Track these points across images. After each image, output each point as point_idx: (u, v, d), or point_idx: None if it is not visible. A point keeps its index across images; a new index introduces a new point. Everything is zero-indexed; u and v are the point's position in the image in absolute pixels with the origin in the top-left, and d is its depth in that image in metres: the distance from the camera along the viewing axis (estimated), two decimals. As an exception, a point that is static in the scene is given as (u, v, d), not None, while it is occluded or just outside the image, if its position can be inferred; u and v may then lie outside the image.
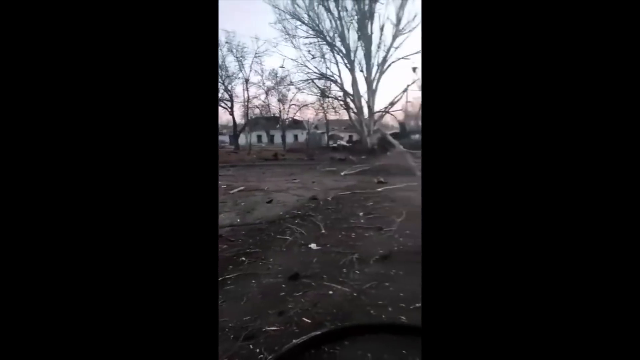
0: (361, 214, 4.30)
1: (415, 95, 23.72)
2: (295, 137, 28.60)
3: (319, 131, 28.26)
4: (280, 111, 22.19)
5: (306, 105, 21.38)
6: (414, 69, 14.11)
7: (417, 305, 1.94)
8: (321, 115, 22.05)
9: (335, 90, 14.78)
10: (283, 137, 22.79)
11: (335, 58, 13.65)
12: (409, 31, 13.14)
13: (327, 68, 14.22)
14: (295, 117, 25.49)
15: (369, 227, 3.67)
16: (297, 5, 13.59)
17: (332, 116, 21.08)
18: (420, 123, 22.50)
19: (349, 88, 13.13)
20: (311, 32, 13.64)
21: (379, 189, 6.06)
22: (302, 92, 16.28)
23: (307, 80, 14.80)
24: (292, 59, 14.41)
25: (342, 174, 8.51)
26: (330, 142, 23.64)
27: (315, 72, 14.36)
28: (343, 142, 22.93)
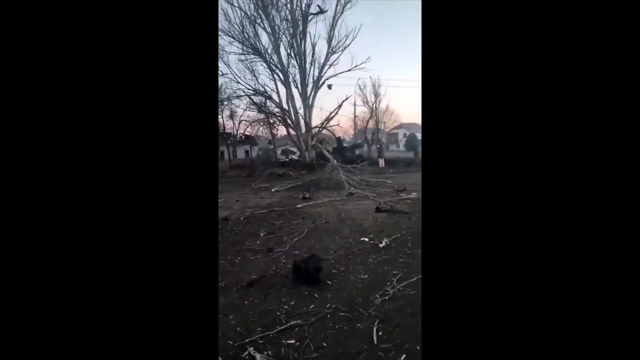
0: (262, 234, 4.14)
1: (361, 109, 24.60)
2: (247, 152, 28.05)
3: (271, 146, 28.00)
4: (224, 127, 21.59)
5: (257, 120, 21.11)
6: (330, 87, 14.53)
7: (246, 340, 1.79)
8: (274, 130, 21.86)
9: (272, 106, 14.70)
10: (229, 154, 22.18)
11: (273, 75, 13.68)
12: (342, 50, 13.67)
13: (262, 84, 14.20)
14: (246, 133, 25.05)
15: (260, 249, 3.50)
16: (231, 22, 13.43)
17: (287, 131, 20.92)
18: (369, 136, 23.31)
19: (286, 104, 13.17)
20: (245, 48, 13.56)
21: (299, 205, 5.97)
22: (251, 108, 15.73)
23: (242, 96, 14.60)
24: (224, 74, 14.09)
25: (273, 190, 8.34)
26: (283, 157, 23.48)
27: (249, 88, 14.25)
28: (295, 157, 22.90)
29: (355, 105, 22.96)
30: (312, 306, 2.17)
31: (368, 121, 23.84)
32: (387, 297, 2.22)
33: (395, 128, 39.05)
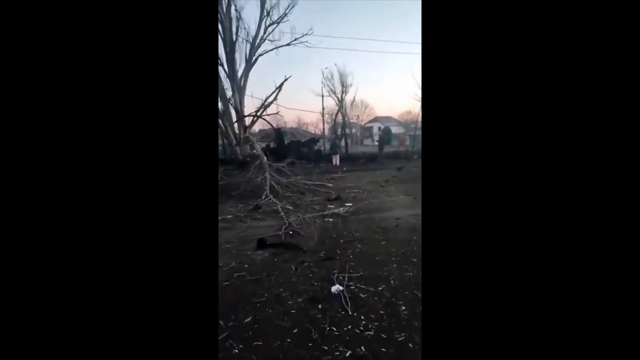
0: None
1: (329, 102, 22.39)
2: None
3: (225, 141, 25.20)
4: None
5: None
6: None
7: None
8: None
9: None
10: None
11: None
12: (277, 22, 11.13)
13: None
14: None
15: None
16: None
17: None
18: (342, 130, 21.12)
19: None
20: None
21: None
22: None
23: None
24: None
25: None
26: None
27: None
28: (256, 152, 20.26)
29: (322, 96, 20.68)
30: None
31: (337, 114, 21.66)
32: None
33: (370, 121, 37.21)
